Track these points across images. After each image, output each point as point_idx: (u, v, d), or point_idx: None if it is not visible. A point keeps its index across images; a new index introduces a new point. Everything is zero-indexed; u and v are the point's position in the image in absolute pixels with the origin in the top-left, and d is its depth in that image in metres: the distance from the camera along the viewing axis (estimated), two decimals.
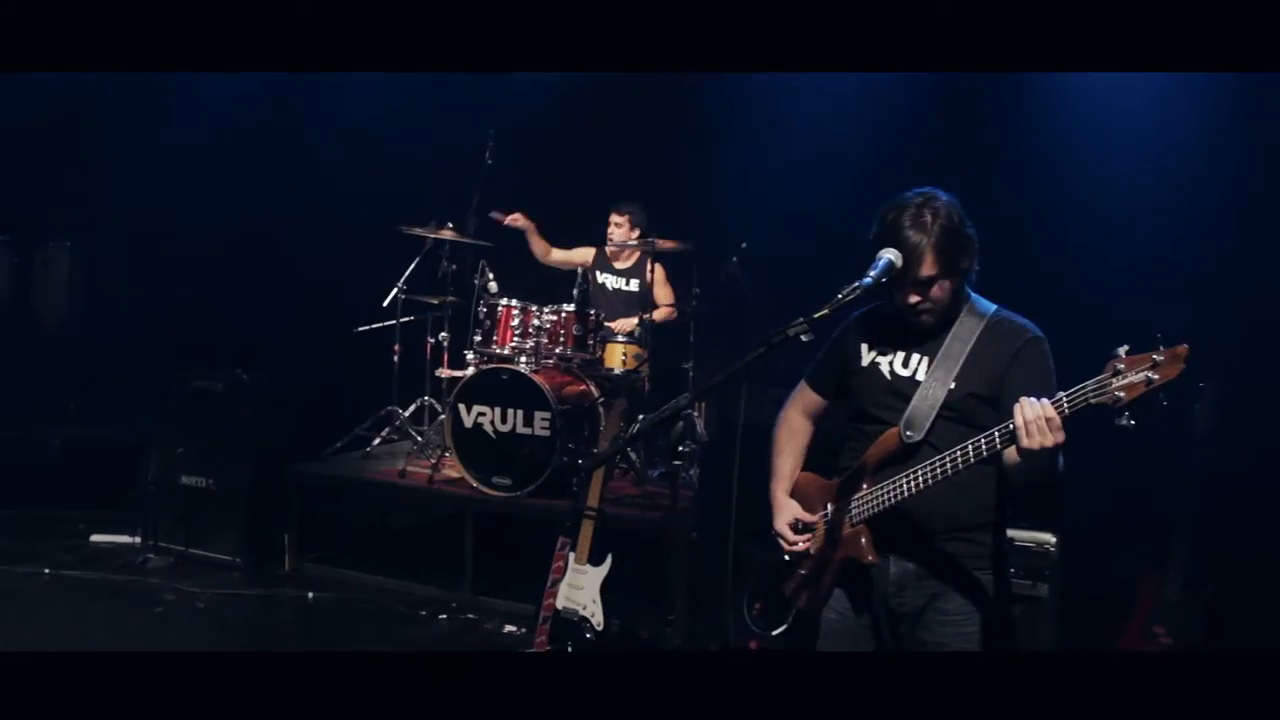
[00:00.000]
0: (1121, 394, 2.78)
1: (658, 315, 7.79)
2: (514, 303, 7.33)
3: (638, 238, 7.90)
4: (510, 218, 7.92)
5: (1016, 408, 2.93)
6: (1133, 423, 2.80)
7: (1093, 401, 2.84)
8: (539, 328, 7.25)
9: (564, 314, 7.29)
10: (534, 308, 7.31)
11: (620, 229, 8.02)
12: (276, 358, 8.23)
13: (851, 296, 3.16)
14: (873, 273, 3.20)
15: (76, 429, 8.70)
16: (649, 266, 7.80)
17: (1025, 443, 2.91)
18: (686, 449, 6.66)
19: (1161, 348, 2.76)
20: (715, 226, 7.88)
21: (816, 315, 3.07)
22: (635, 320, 7.80)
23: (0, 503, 8.02)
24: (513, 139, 8.09)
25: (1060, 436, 2.88)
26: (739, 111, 8.29)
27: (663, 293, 7.98)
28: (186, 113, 8.99)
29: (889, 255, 3.22)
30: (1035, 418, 2.88)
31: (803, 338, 3.02)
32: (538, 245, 8.19)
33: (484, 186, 7.93)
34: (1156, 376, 2.75)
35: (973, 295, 3.45)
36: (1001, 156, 7.25)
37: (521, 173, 8.22)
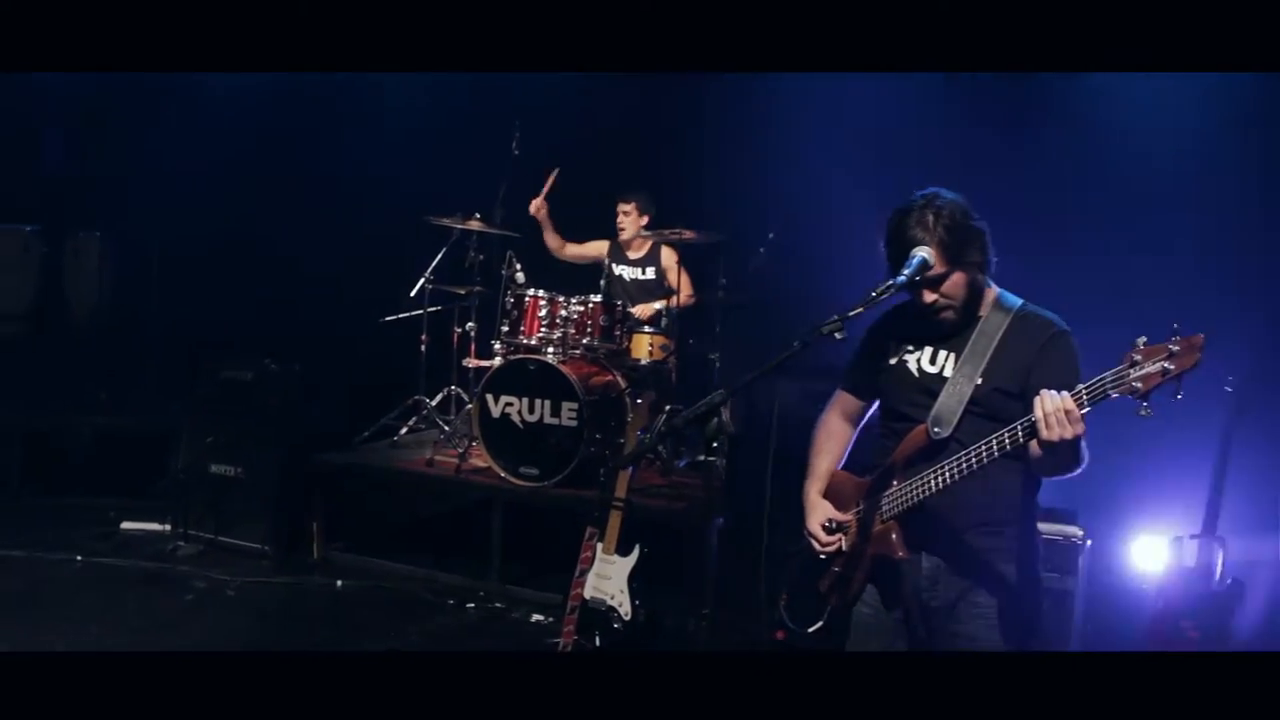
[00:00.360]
0: (1139, 384, 2.81)
1: (676, 302, 7.82)
2: (541, 293, 7.35)
3: (646, 224, 7.98)
4: (534, 205, 7.96)
5: (1036, 400, 2.97)
6: (1151, 413, 2.82)
7: (1111, 393, 2.87)
8: (566, 318, 7.27)
9: (591, 305, 7.30)
10: (561, 298, 7.33)
11: (628, 217, 8.06)
12: (305, 347, 8.26)
13: (885, 295, 3.18)
14: (907, 270, 3.23)
15: (107, 418, 8.76)
16: (661, 253, 7.89)
17: (1045, 434, 2.94)
18: (721, 443, 6.67)
19: (1178, 337, 2.78)
20: (743, 217, 7.87)
21: (851, 313, 3.10)
22: (657, 306, 7.82)
23: (32, 491, 8.11)
24: (539, 132, 8.10)
25: (1080, 428, 2.91)
26: (766, 103, 8.28)
27: (678, 279, 7.99)
28: (216, 105, 9.04)
29: (922, 253, 3.24)
30: (1055, 410, 2.92)
31: (836, 335, 3.04)
32: (552, 239, 8.24)
33: (511, 177, 7.94)
34: (1173, 366, 2.78)
35: (999, 290, 3.47)
36: (1026, 153, 7.24)
37: (547, 164, 8.23)
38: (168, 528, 7.44)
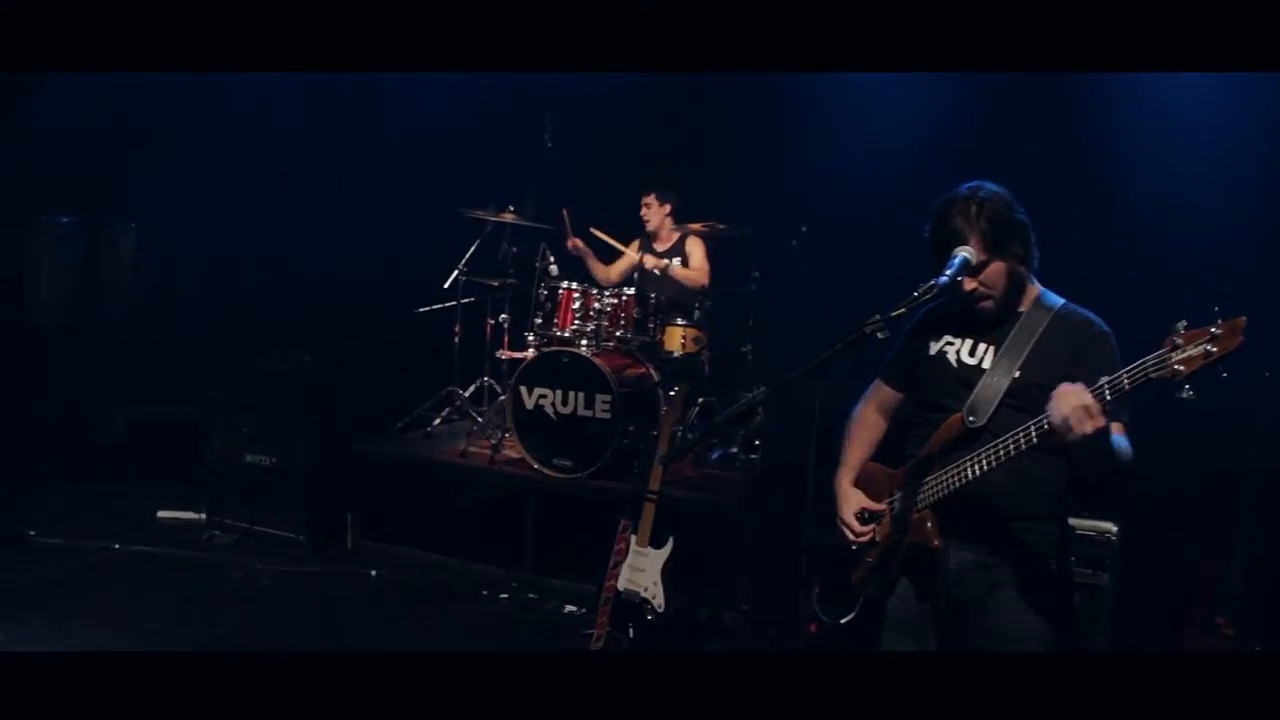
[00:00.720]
0: (1180, 367, 2.81)
1: (678, 272, 7.85)
2: (575, 286, 7.39)
3: (670, 213, 8.02)
4: (570, 245, 7.99)
5: (1054, 394, 2.97)
6: (1193, 394, 2.82)
7: (1153, 376, 2.87)
8: (600, 310, 7.30)
9: (624, 297, 7.33)
10: (594, 291, 7.37)
11: (649, 209, 8.09)
12: (339, 338, 8.32)
13: (928, 296, 3.20)
14: (948, 272, 3.25)
15: (142, 407, 8.83)
16: (688, 244, 7.96)
17: (1062, 429, 2.94)
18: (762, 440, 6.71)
19: (1220, 321, 2.79)
20: (775, 211, 7.88)
21: (894, 313, 3.12)
22: (665, 263, 7.88)
23: (69, 480, 8.17)
24: (570, 125, 8.13)
25: (1100, 422, 2.90)
26: (801, 98, 8.28)
27: (699, 266, 8.00)
28: (251, 98, 9.07)
29: (964, 253, 3.27)
30: (1074, 406, 2.91)
31: (879, 335, 3.07)
32: (598, 269, 8.30)
33: (544, 170, 7.98)
34: (1215, 349, 2.78)
35: (1041, 289, 3.49)
36: (1066, 148, 7.24)
37: (577, 157, 8.25)
38: (203, 516, 7.49)
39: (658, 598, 5.44)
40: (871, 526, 3.65)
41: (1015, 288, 3.40)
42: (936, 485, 3.43)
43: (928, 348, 3.60)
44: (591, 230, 8.06)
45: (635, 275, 7.98)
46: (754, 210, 7.73)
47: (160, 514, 7.63)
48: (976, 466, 3.30)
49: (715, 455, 7.35)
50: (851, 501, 3.70)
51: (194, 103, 9.14)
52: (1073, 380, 3.00)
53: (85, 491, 7.98)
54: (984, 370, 3.43)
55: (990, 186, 3.36)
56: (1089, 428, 2.89)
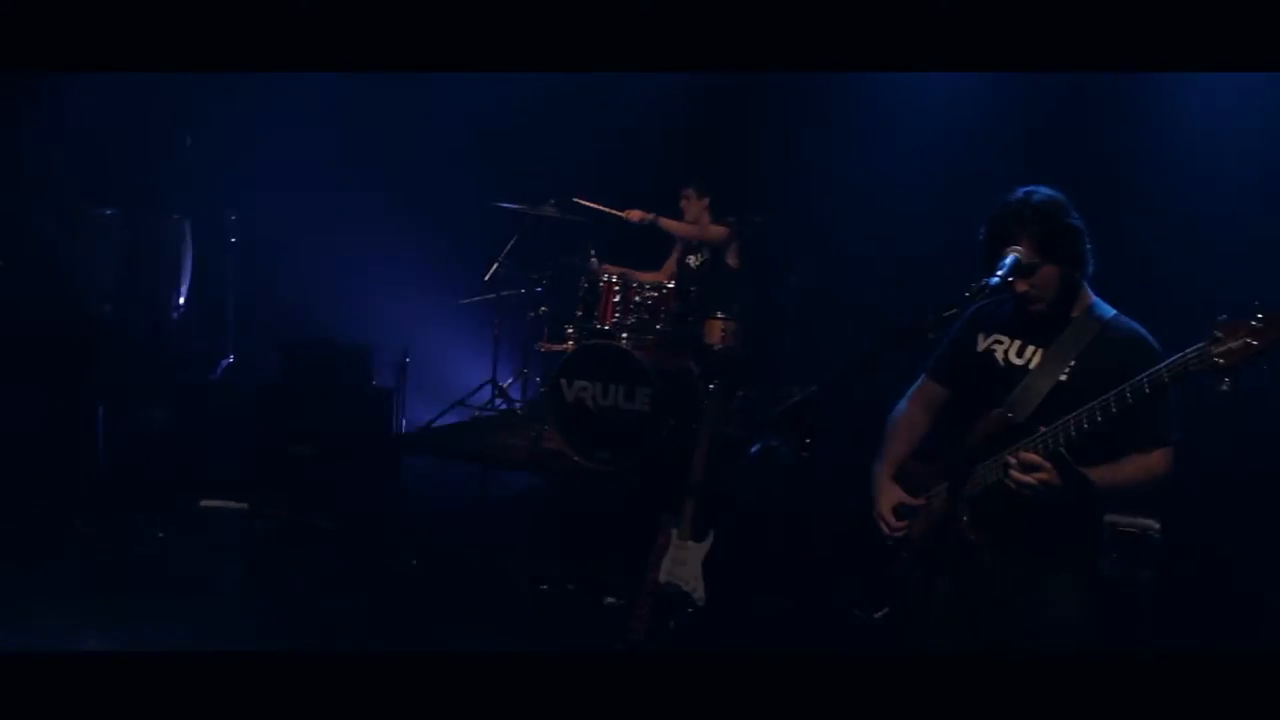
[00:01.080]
0: (1221, 360, 2.86)
1: (669, 224, 7.88)
2: (615, 279, 7.41)
3: (707, 206, 7.98)
4: (635, 216, 7.94)
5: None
6: (1232, 387, 2.87)
7: (1192, 369, 2.92)
8: (640, 304, 7.32)
9: (664, 290, 7.35)
10: (635, 284, 7.38)
11: (688, 201, 8.07)
12: (379, 329, 8.36)
13: (979, 296, 3.24)
14: (999, 272, 3.27)
15: (185, 398, 8.88)
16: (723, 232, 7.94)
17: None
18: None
19: (1261, 313, 2.79)
20: (816, 207, 7.88)
21: (946, 314, 3.15)
22: (652, 215, 7.89)
23: (114, 468, 8.23)
24: (610, 120, 8.14)
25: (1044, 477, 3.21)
26: (849, 97, 8.25)
27: (694, 219, 7.99)
28: (294, 93, 9.09)
29: (1014, 253, 3.30)
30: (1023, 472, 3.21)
31: (929, 335, 3.09)
32: (646, 278, 8.03)
33: (585, 163, 8.00)
34: (1256, 341, 2.81)
35: (1094, 297, 3.51)
36: (1111, 149, 7.21)
37: (619, 151, 8.26)
38: (246, 505, 7.54)
39: (698, 591, 5.45)
40: (907, 522, 3.67)
41: (1067, 293, 3.43)
42: (974, 482, 3.45)
43: (975, 344, 3.62)
44: (577, 200, 8.03)
45: (675, 267, 7.98)
46: (793, 205, 7.72)
47: (203, 503, 7.68)
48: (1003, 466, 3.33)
49: (755, 449, 7.36)
50: (889, 495, 3.73)
51: (242, 96, 9.18)
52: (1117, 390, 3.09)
53: (130, 480, 8.04)
54: (1030, 371, 3.45)
55: (1045, 190, 3.40)
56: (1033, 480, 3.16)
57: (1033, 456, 3.21)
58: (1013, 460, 3.26)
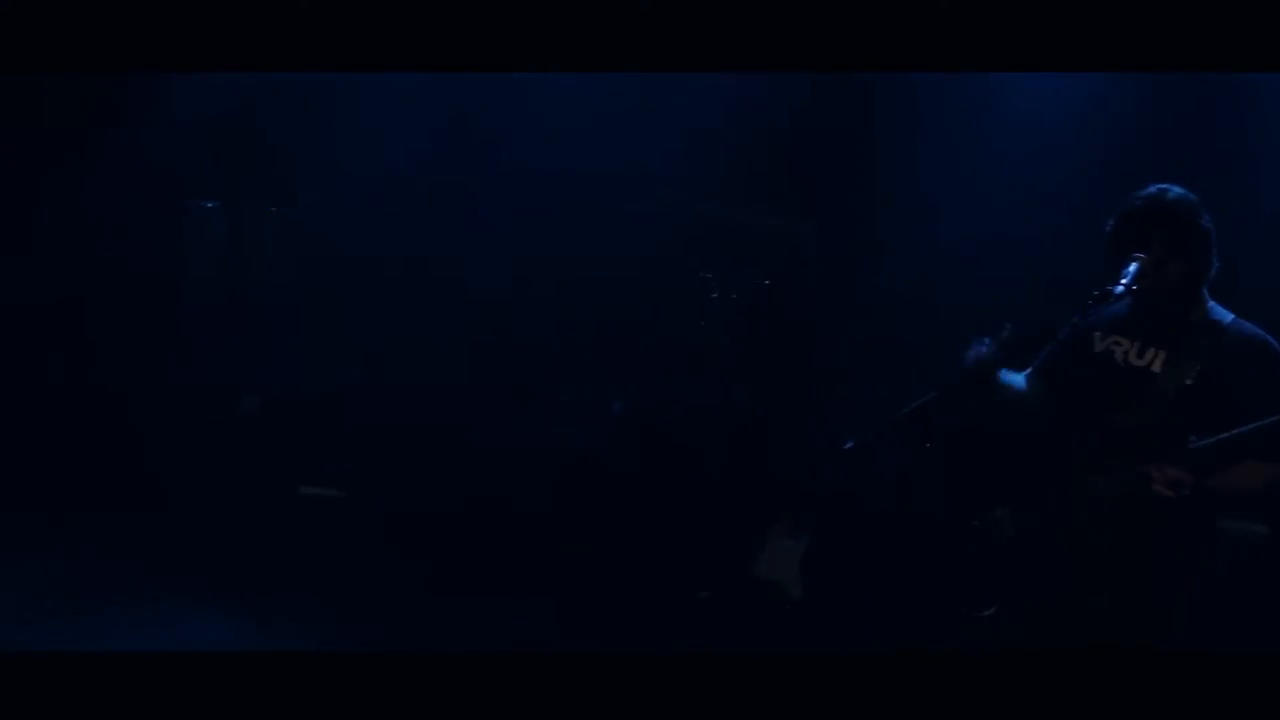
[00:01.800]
0: None
1: None
2: None
3: None
4: None
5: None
6: None
7: None
8: None
9: None
10: None
11: None
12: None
13: (1101, 302, 3.25)
14: (1124, 280, 3.27)
15: (279, 385, 8.99)
16: None
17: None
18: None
19: None
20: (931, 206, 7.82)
21: (1074, 320, 3.16)
22: None
23: (203, 454, 8.33)
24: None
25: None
26: (963, 95, 8.16)
27: None
28: (389, 95, 9.09)
29: (1139, 260, 3.30)
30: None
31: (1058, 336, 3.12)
32: None
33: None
34: None
35: (1210, 301, 3.50)
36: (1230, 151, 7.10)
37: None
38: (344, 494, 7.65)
39: (795, 588, 5.46)
40: (1015, 521, 3.68)
41: (1189, 294, 3.43)
42: (1101, 483, 3.43)
43: (1093, 344, 3.60)
44: None
45: None
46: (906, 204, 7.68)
47: (302, 489, 7.77)
48: (1134, 471, 3.31)
49: (850, 445, 7.32)
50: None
51: (339, 96, 9.25)
52: (1241, 396, 3.17)
53: (225, 465, 8.15)
54: (1152, 374, 3.45)
55: (1177, 190, 3.40)
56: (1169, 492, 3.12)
57: (1178, 473, 3.18)
58: (1157, 474, 3.22)
